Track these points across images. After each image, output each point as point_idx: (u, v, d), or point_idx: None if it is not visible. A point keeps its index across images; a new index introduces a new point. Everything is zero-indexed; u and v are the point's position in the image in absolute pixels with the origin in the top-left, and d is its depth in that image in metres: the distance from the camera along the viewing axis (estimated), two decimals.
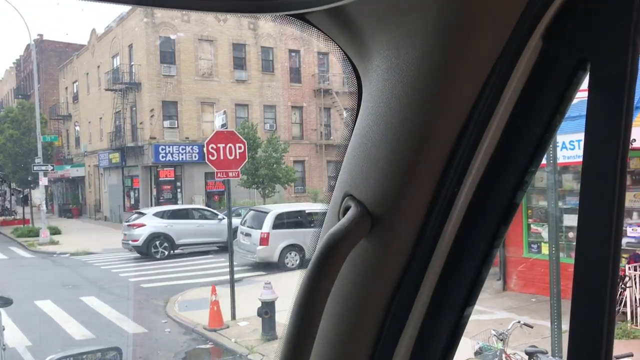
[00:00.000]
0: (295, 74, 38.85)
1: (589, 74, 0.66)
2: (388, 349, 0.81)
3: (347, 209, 0.77)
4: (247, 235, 18.89)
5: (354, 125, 0.82)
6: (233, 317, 12.08)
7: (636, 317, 9.67)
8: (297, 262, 18.33)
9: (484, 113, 0.72)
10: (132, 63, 35.66)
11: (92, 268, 19.83)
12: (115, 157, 37.31)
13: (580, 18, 0.67)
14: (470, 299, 0.79)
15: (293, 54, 38.99)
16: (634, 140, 9.48)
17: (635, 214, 11.47)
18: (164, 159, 34.05)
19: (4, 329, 8.25)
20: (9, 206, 47.44)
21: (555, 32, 0.69)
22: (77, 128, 45.89)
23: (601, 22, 0.65)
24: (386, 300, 0.79)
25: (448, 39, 0.69)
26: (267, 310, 10.61)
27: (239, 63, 37.12)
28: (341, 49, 0.81)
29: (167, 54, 34.71)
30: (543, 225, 12.80)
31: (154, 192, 35.09)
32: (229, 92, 36.30)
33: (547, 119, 0.71)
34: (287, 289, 11.59)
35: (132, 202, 36.75)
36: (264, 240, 18.09)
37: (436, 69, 0.70)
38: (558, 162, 10.54)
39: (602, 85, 0.65)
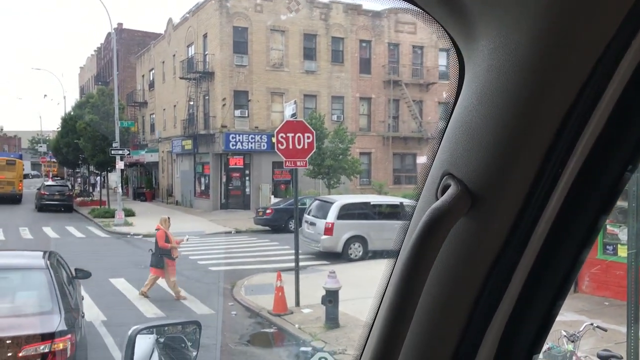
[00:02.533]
0: (365, 65, 38.69)
1: None
2: (478, 332, 0.81)
3: (446, 188, 0.77)
4: (312, 224, 19.05)
5: (454, 105, 0.82)
6: (297, 303, 12.26)
7: None
8: (361, 253, 18.34)
9: (592, 96, 0.70)
10: (206, 52, 36.57)
11: None
12: (188, 144, 38.45)
13: None
14: (562, 291, 0.78)
15: (364, 44, 38.83)
16: None
17: None
18: (234, 147, 34.79)
19: (83, 299, 8.74)
20: (89, 188, 49.84)
21: None
22: (153, 115, 47.55)
23: None
24: (480, 281, 0.79)
25: (558, 22, 0.68)
26: (330, 298, 10.71)
27: (309, 53, 37.32)
28: (444, 29, 0.81)
29: (240, 44, 35.33)
30: (620, 226, 12.25)
31: (224, 179, 35.95)
32: (298, 82, 36.59)
33: None
34: (350, 279, 11.74)
35: (203, 188, 37.80)
36: (328, 230, 18.21)
37: (545, 51, 0.69)
38: None
39: None
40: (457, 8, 0.76)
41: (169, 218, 14.00)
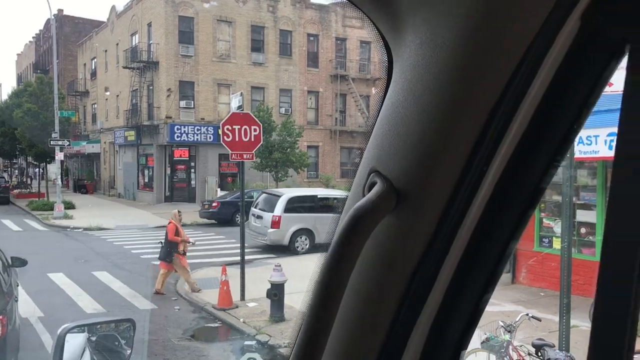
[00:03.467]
0: (312, 59, 38.71)
1: (627, 56, 0.64)
2: (405, 328, 0.81)
3: (372, 185, 0.76)
4: (259, 217, 18.97)
5: (383, 100, 0.82)
6: (242, 297, 12.20)
7: None
8: (307, 246, 18.40)
9: (517, 92, 0.70)
10: (150, 42, 35.74)
11: (105, 243, 20.06)
12: (131, 135, 37.54)
13: None
14: (488, 286, 0.78)
15: (312, 38, 38.83)
16: None
17: None
18: (179, 138, 34.21)
19: (18, 285, 8.57)
20: (27, 180, 48.00)
21: (594, 11, 0.66)
22: (95, 105, 46.18)
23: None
24: (407, 278, 0.79)
25: (484, 19, 0.68)
26: (276, 292, 10.70)
27: (257, 46, 37.03)
28: (372, 21, 0.81)
29: (186, 34, 34.70)
30: (555, 219, 12.74)
31: (168, 171, 35.31)
32: (246, 74, 36.27)
33: (581, 100, 0.70)
34: (296, 272, 11.73)
35: (146, 180, 37.02)
36: (275, 224, 18.17)
37: (471, 46, 0.69)
38: (574, 156, 10.47)
39: None
40: (385, 0, 0.76)
41: (179, 212, 13.82)
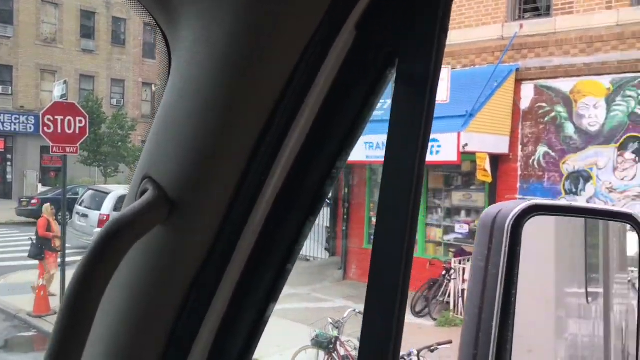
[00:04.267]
0: (149, 50, 37.10)
1: (396, 68, 0.66)
2: (185, 344, 0.75)
3: (144, 193, 0.71)
4: (84, 216, 17.74)
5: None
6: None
7: (457, 306, 10.54)
8: None
9: (296, 98, 0.68)
10: None
11: None
12: None
13: (390, 9, 0.66)
14: (273, 294, 0.75)
15: (149, 28, 37.18)
16: (467, 144, 10.31)
17: (463, 212, 12.49)
18: None
19: None
20: None
21: (368, 22, 0.67)
22: None
23: (409, 16, 0.65)
24: (184, 291, 0.73)
25: (258, 15, 0.65)
26: None
27: (87, 32, 34.66)
28: (149, 12, 0.75)
29: (3, 13, 31.37)
30: None
31: None
32: (74, 61, 33.76)
33: (358, 109, 0.70)
34: None
35: None
36: (102, 223, 17.07)
37: (246, 47, 0.66)
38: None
39: (407, 81, 0.65)
40: None
41: (52, 205, 12.62)
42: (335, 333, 6.56)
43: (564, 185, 10.94)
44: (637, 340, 0.90)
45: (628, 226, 0.89)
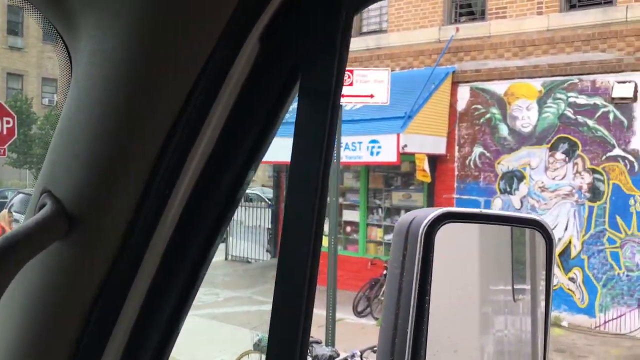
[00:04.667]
0: None
1: (299, 82, 0.67)
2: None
3: (42, 207, 0.69)
4: (15, 221, 16.94)
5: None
6: None
7: None
8: None
9: (200, 109, 0.68)
10: None
11: None
12: None
13: (292, 23, 0.67)
14: (184, 305, 0.74)
15: None
16: (406, 145, 10.46)
17: (403, 212, 12.67)
18: None
19: None
20: None
21: (271, 35, 0.67)
22: None
23: (311, 29, 0.66)
24: (86, 310, 0.71)
25: (157, 26, 0.65)
26: None
27: (14, 28, 33.14)
28: (50, 22, 0.73)
29: None
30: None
31: None
32: (1, 59, 32.22)
33: (264, 120, 0.71)
34: None
35: None
36: None
37: (145, 57, 0.65)
38: (340, 161, 11.18)
39: (310, 94, 0.66)
40: None
41: (9, 212, 12.10)
42: None
43: (498, 184, 11.27)
44: (544, 348, 0.92)
45: (537, 232, 0.92)
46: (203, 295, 12.94)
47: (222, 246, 18.47)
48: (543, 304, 0.93)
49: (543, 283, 0.93)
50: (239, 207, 15.70)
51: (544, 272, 0.93)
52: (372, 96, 6.95)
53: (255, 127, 0.70)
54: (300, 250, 0.65)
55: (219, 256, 17.69)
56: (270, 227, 15.27)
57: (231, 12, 0.64)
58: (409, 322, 0.78)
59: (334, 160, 6.83)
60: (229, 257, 16.68)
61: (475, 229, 0.91)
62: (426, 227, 0.81)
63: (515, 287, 0.95)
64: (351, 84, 6.67)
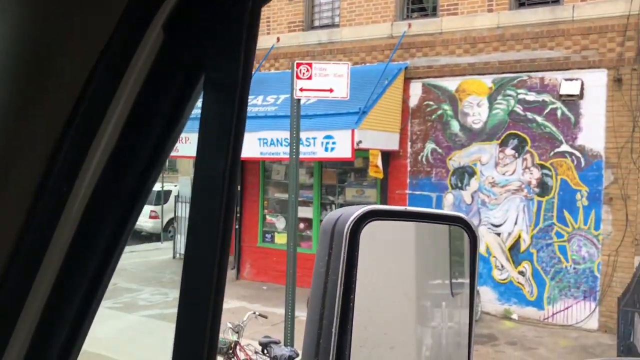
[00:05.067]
0: None
1: (204, 75, 0.65)
2: None
3: None
4: None
5: None
6: None
7: None
8: None
9: (98, 102, 0.64)
10: None
11: None
12: None
13: (198, 14, 0.64)
14: (87, 313, 0.71)
15: None
16: (360, 141, 10.41)
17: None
18: None
19: None
20: None
21: (176, 25, 0.64)
22: None
23: (216, 21, 0.64)
24: None
25: (48, 12, 0.60)
26: None
27: None
28: None
29: None
30: (277, 216, 13.34)
31: None
32: None
33: (169, 117, 0.68)
34: None
35: None
36: None
37: (37, 44, 0.61)
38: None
39: (215, 88, 0.64)
40: None
41: None
42: (235, 337, 6.30)
43: (450, 180, 11.38)
44: (469, 340, 0.92)
45: (461, 229, 0.93)
46: (151, 295, 12.57)
47: (169, 244, 18.04)
48: (468, 298, 0.94)
49: (468, 278, 0.94)
50: (187, 204, 15.33)
51: (469, 268, 0.94)
52: (331, 90, 6.82)
53: (160, 122, 0.68)
54: (207, 249, 0.63)
55: (166, 254, 17.25)
56: None
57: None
58: (334, 322, 0.76)
59: (292, 156, 6.66)
60: (177, 255, 16.29)
61: (400, 227, 0.91)
62: (351, 225, 0.79)
63: (446, 282, 0.96)
64: (310, 78, 6.53)
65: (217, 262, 0.62)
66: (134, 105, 0.66)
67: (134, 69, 0.65)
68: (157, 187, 20.50)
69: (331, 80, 6.64)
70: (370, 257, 0.81)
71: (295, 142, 6.61)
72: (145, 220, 19.62)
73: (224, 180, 0.62)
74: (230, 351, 6.22)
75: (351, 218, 0.80)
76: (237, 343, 6.28)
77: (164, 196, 19.64)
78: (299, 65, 6.73)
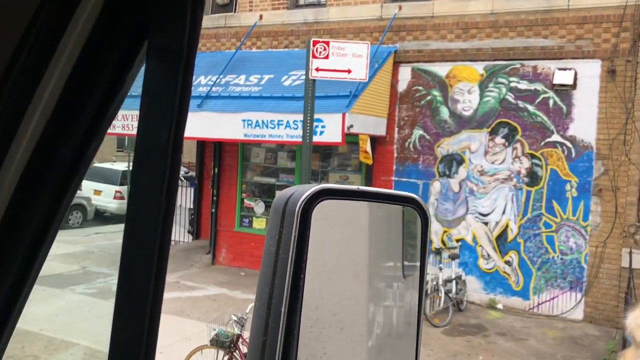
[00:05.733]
0: None
1: (147, 41, 0.61)
2: None
3: None
4: None
5: None
6: None
7: None
8: None
9: (31, 71, 0.60)
10: None
11: None
12: None
13: None
14: (14, 307, 0.66)
15: None
16: (352, 126, 10.08)
17: None
18: None
19: None
20: None
21: None
22: None
23: None
24: None
25: None
26: None
27: None
28: None
29: None
30: (256, 200, 12.92)
31: None
32: None
33: (109, 87, 0.64)
34: None
35: None
36: None
37: None
38: (281, 140, 10.61)
39: (159, 54, 0.61)
40: None
41: None
42: (238, 330, 5.94)
43: (437, 167, 11.20)
44: (417, 321, 0.92)
45: (413, 209, 0.92)
46: None
47: None
48: (418, 280, 0.94)
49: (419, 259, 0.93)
50: None
51: (420, 249, 0.93)
52: (349, 71, 6.45)
53: (99, 92, 0.64)
54: (148, 229, 0.60)
55: None
56: (192, 207, 14.46)
57: None
58: (283, 301, 0.75)
59: (306, 140, 6.27)
60: None
61: (353, 207, 0.89)
62: (303, 203, 0.78)
63: (398, 263, 0.95)
64: (327, 57, 6.13)
65: (159, 243, 0.59)
66: (71, 73, 0.63)
67: (71, 34, 0.61)
68: (122, 166, 19.68)
69: (349, 60, 6.26)
70: (322, 236, 0.81)
71: (309, 125, 6.22)
72: (109, 201, 18.85)
73: (166, 154, 0.59)
74: (233, 345, 5.86)
75: (303, 196, 0.79)
76: (239, 336, 5.92)
77: (130, 176, 18.89)
78: (315, 43, 6.31)
